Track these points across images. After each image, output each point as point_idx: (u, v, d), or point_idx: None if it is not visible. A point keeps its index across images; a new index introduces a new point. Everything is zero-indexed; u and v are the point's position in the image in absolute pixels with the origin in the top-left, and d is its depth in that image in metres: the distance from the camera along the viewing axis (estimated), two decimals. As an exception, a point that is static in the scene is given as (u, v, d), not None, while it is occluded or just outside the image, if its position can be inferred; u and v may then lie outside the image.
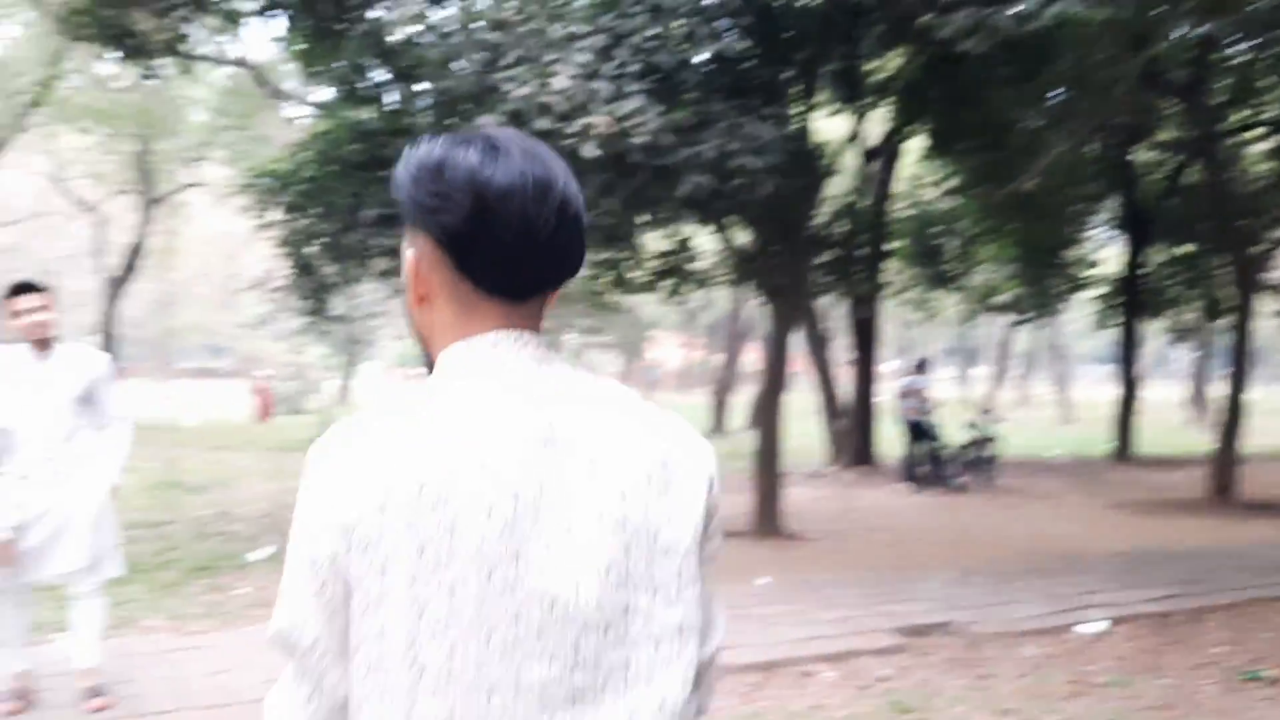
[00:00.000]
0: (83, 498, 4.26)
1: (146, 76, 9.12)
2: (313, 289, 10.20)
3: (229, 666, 4.97)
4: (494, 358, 1.13)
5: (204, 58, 11.31)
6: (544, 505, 1.08)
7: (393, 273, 10.01)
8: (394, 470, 1.06)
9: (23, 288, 4.31)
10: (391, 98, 9.42)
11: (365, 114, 9.44)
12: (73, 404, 4.29)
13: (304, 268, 9.99)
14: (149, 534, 8.67)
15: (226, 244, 43.27)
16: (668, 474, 1.15)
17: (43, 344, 4.28)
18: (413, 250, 1.17)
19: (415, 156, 1.15)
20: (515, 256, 1.12)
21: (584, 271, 10.11)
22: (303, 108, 13.44)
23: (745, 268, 10.28)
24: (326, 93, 10.96)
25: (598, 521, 1.09)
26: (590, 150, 6.30)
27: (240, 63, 13.21)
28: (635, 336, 32.77)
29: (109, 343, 24.36)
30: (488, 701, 1.05)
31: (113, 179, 25.75)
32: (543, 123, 6.35)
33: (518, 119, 6.43)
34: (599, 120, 6.21)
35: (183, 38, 9.17)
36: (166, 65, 9.55)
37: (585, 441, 1.11)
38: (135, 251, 24.19)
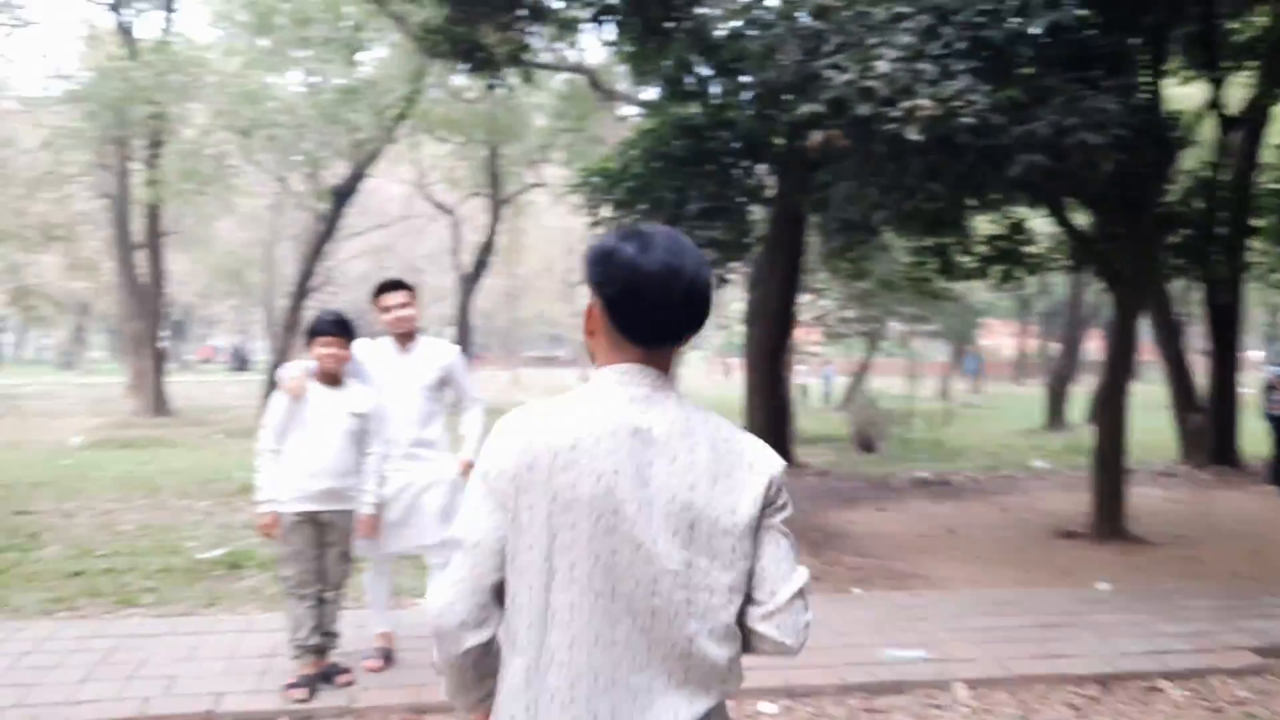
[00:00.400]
0: (438, 476, 4.69)
1: (492, 86, 9.81)
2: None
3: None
4: (623, 381, 1.69)
5: (544, 65, 11.98)
6: (637, 480, 1.63)
7: (717, 263, 10.19)
8: (541, 443, 1.65)
9: (391, 285, 4.77)
10: (715, 92, 9.60)
11: (689, 110, 9.67)
12: (428, 391, 4.72)
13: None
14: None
15: (565, 240, 45.86)
16: (732, 478, 1.68)
17: (405, 337, 4.75)
18: (590, 302, 1.74)
19: (596, 245, 1.73)
20: (652, 320, 1.68)
21: (908, 258, 9.86)
22: (632, 107, 13.98)
23: (1085, 251, 9.59)
24: (653, 91, 11.36)
25: (671, 501, 1.63)
26: (914, 133, 6.11)
27: (576, 68, 13.95)
28: (965, 325, 31.41)
29: (463, 333, 26.49)
30: (594, 600, 1.62)
31: (466, 183, 27.91)
32: (864, 108, 6.24)
33: (839, 106, 6.35)
34: (924, 103, 6.01)
35: (524, 48, 9.77)
36: (511, 74, 10.22)
37: (670, 444, 1.65)
38: (486, 249, 26.13)
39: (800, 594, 1.73)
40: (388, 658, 4.84)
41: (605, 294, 1.69)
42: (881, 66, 6.23)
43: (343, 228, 28.03)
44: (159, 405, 22.73)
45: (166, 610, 5.96)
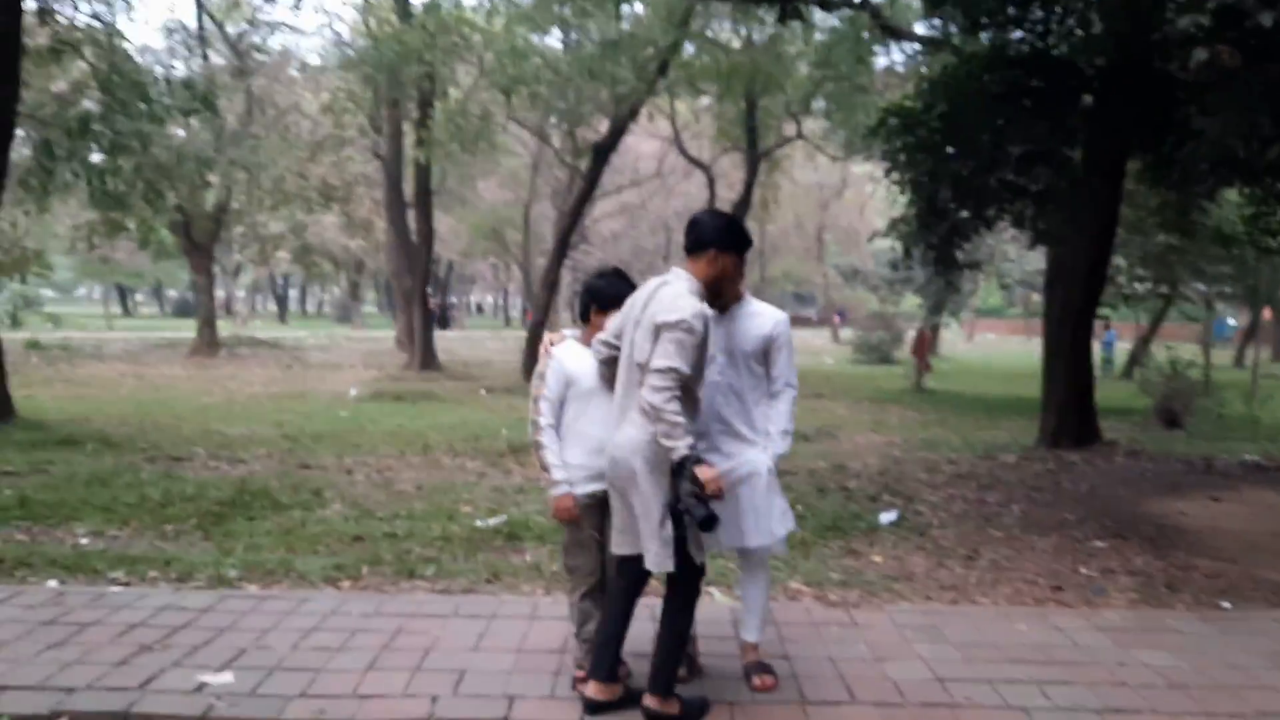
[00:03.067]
0: (755, 466, 3.97)
1: (784, 18, 8.87)
2: (944, 233, 9.48)
3: (888, 654, 4.51)
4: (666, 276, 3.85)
5: (826, 2, 11.00)
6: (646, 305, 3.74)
7: (1032, 217, 8.97)
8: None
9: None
10: (1036, 17, 8.34)
11: (1010, 38, 8.45)
12: (747, 362, 4.01)
13: (935, 211, 9.30)
14: (774, 484, 8.65)
15: (818, 195, 44.58)
16: (656, 317, 3.62)
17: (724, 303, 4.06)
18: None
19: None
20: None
21: (1248, 207, 8.30)
22: (916, 45, 12.77)
23: None
24: (952, 25, 10.16)
25: (644, 323, 3.69)
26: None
27: (860, 4, 12.80)
28: (1268, 286, 27.96)
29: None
30: (624, 371, 3.84)
31: (722, 137, 27.21)
32: (1266, 17, 5.00)
33: (1232, 16, 5.13)
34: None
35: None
36: (797, 8, 9.29)
37: (648, 306, 3.71)
38: (742, 205, 25.37)
39: (656, 371, 3.53)
40: (691, 666, 4.19)
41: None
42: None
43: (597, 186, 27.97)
44: (426, 359, 23.46)
45: (448, 585, 5.62)
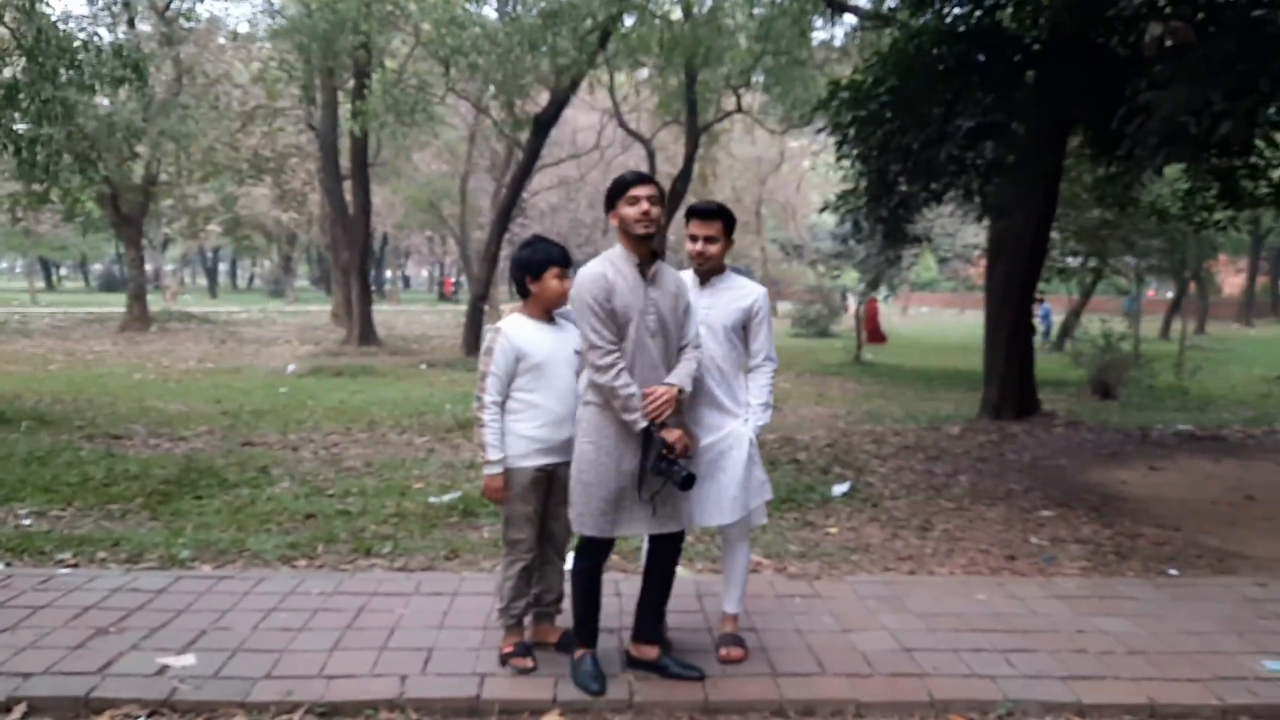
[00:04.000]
0: (736, 439, 3.97)
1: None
2: (892, 207, 9.54)
3: (854, 625, 4.55)
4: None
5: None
6: None
7: (979, 190, 9.03)
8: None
9: (702, 212, 4.07)
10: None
11: (955, 13, 8.50)
12: (726, 336, 4.01)
13: (884, 185, 9.35)
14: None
15: (755, 170, 44.71)
16: None
17: (707, 272, 4.07)
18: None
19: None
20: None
21: (1184, 184, 8.44)
22: (859, 19, 12.78)
23: None
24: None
25: None
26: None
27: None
28: (1198, 259, 28.69)
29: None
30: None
31: (662, 110, 27.08)
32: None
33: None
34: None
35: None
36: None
37: None
38: (683, 179, 25.29)
39: (589, 350, 3.63)
40: (736, 642, 4.19)
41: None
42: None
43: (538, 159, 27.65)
44: (365, 334, 23.12)
45: (406, 562, 5.56)
